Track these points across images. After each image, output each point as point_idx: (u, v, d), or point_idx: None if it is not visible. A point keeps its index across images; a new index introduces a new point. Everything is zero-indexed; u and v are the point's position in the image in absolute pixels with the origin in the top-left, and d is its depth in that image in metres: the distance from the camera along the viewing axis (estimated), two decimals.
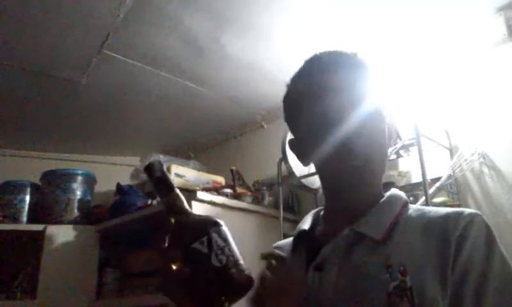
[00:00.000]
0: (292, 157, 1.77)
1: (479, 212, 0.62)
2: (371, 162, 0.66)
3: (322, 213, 0.77)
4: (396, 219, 0.66)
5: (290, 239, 0.81)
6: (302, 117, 0.71)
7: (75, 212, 2.28)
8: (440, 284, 0.56)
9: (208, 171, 2.34)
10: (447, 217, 0.62)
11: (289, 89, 0.76)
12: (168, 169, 2.15)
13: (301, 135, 0.73)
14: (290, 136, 0.79)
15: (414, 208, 0.69)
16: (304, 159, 0.76)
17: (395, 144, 1.63)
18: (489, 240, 0.59)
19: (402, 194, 0.72)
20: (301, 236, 0.75)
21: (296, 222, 1.84)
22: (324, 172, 0.72)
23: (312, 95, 0.69)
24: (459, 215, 0.61)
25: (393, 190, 0.72)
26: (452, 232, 0.59)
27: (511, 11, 1.66)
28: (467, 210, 0.63)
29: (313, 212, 0.80)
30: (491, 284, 0.56)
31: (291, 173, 1.88)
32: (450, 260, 0.57)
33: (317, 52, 0.73)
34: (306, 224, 0.76)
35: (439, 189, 1.59)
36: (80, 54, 1.81)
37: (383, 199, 0.70)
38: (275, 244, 0.86)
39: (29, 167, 2.58)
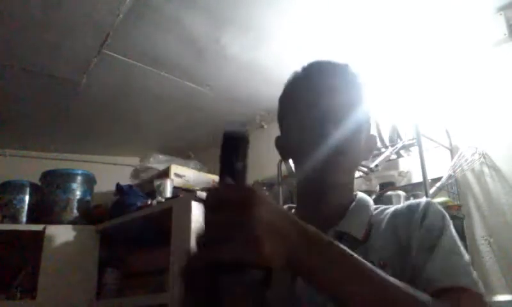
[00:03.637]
0: None
1: (434, 201, 0.70)
2: (338, 162, 0.69)
3: (293, 211, 0.79)
4: (370, 220, 0.71)
5: None
6: (285, 115, 0.77)
7: (75, 212, 2.28)
8: (408, 260, 0.62)
9: (208, 171, 2.34)
10: (408, 207, 0.69)
11: (284, 89, 0.81)
12: (168, 169, 2.16)
13: (284, 132, 0.79)
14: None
15: (380, 207, 0.75)
16: (284, 155, 0.81)
17: (391, 149, 1.63)
18: (445, 220, 0.66)
19: (367, 196, 0.78)
20: None
21: None
22: (298, 170, 0.75)
23: (291, 96, 0.75)
24: (418, 203, 0.68)
25: (360, 194, 0.77)
26: (415, 216, 0.66)
27: (511, 11, 1.65)
28: (424, 199, 0.70)
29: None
30: (440, 252, 0.61)
31: (291, 173, 1.88)
32: (415, 235, 0.63)
33: (313, 61, 0.77)
34: None
35: (439, 189, 1.59)
36: (80, 54, 1.81)
37: (355, 202, 0.74)
38: None
39: (29, 167, 2.58)
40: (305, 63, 0.77)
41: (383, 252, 0.64)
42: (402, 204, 0.72)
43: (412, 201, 0.71)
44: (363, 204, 0.74)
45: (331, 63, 0.75)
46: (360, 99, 0.73)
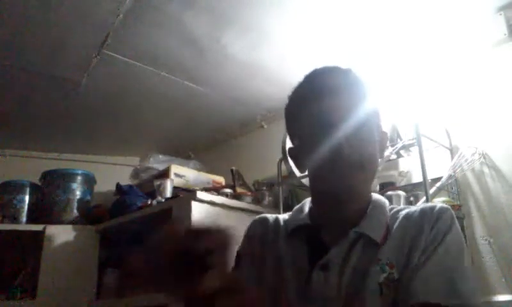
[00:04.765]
0: None
1: (449, 207, 0.70)
2: (363, 169, 0.70)
3: (307, 209, 0.79)
4: (387, 222, 0.72)
5: (271, 219, 0.83)
6: (299, 124, 0.75)
7: (75, 212, 2.28)
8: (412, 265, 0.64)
9: (208, 171, 2.34)
10: (422, 211, 0.70)
11: (289, 100, 0.80)
12: (168, 169, 2.16)
13: (298, 142, 0.77)
14: (290, 145, 0.82)
15: (394, 208, 0.76)
16: (300, 166, 0.79)
17: (391, 149, 1.63)
18: (451, 226, 0.67)
19: (382, 197, 0.79)
20: (301, 231, 0.75)
21: None
22: (316, 177, 0.75)
23: (307, 104, 0.73)
24: (431, 208, 0.70)
25: (375, 195, 0.78)
26: (426, 223, 0.67)
27: (511, 11, 1.65)
28: (439, 204, 0.71)
29: (297, 208, 0.82)
30: (440, 252, 0.64)
31: (291, 172, 1.88)
32: (422, 243, 0.66)
33: (316, 68, 0.77)
34: (302, 219, 0.77)
35: (439, 189, 1.59)
36: (80, 54, 1.81)
37: (374, 204, 0.75)
38: (260, 217, 0.85)
39: (29, 167, 2.58)
40: (308, 72, 0.76)
41: (392, 254, 0.66)
42: (417, 207, 0.73)
43: (426, 205, 0.72)
44: (380, 206, 0.75)
45: (336, 70, 0.75)
46: (371, 104, 0.73)
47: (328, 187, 0.72)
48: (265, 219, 0.84)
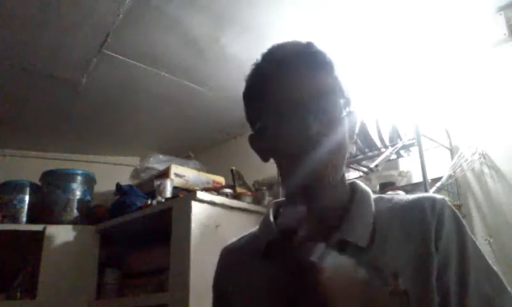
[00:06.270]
0: None
1: (445, 198, 0.65)
2: (332, 154, 0.63)
3: (272, 218, 0.74)
4: (374, 220, 0.65)
5: (241, 242, 0.79)
6: (259, 106, 0.69)
7: (75, 212, 2.28)
8: (428, 277, 0.58)
9: (208, 171, 2.34)
10: (421, 207, 0.63)
11: (247, 82, 0.75)
12: (168, 169, 2.16)
13: (259, 126, 0.70)
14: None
15: (382, 199, 0.69)
16: (263, 154, 0.73)
17: (391, 149, 1.63)
18: (459, 223, 0.63)
19: (365, 186, 0.71)
20: (274, 248, 0.68)
21: None
22: (286, 166, 0.68)
23: (266, 82, 0.68)
24: (432, 202, 0.63)
25: (358, 185, 0.71)
26: (430, 222, 0.61)
27: (511, 11, 1.65)
28: (436, 197, 0.64)
29: (264, 219, 0.76)
30: (471, 264, 0.60)
31: None
32: (433, 249, 0.60)
33: (273, 45, 0.73)
34: (270, 233, 0.71)
35: (439, 189, 1.59)
36: (80, 54, 1.81)
37: (356, 199, 0.68)
38: (228, 244, 0.82)
39: (29, 167, 2.58)
40: (265, 52, 0.72)
41: (395, 261, 0.59)
42: (411, 196, 0.67)
43: (423, 196, 0.65)
44: (364, 201, 0.67)
45: (294, 44, 0.70)
46: (336, 79, 0.67)
47: (296, 179, 0.64)
48: (235, 245, 0.79)
